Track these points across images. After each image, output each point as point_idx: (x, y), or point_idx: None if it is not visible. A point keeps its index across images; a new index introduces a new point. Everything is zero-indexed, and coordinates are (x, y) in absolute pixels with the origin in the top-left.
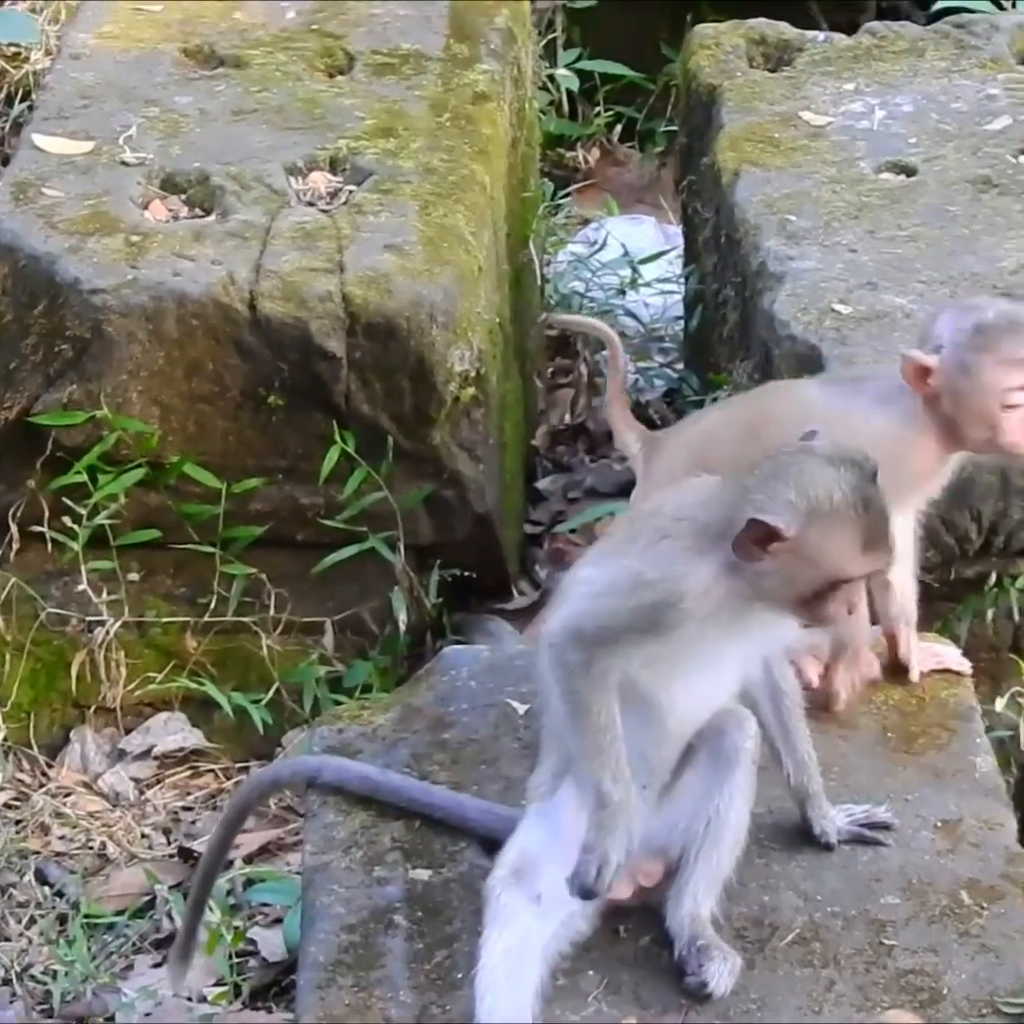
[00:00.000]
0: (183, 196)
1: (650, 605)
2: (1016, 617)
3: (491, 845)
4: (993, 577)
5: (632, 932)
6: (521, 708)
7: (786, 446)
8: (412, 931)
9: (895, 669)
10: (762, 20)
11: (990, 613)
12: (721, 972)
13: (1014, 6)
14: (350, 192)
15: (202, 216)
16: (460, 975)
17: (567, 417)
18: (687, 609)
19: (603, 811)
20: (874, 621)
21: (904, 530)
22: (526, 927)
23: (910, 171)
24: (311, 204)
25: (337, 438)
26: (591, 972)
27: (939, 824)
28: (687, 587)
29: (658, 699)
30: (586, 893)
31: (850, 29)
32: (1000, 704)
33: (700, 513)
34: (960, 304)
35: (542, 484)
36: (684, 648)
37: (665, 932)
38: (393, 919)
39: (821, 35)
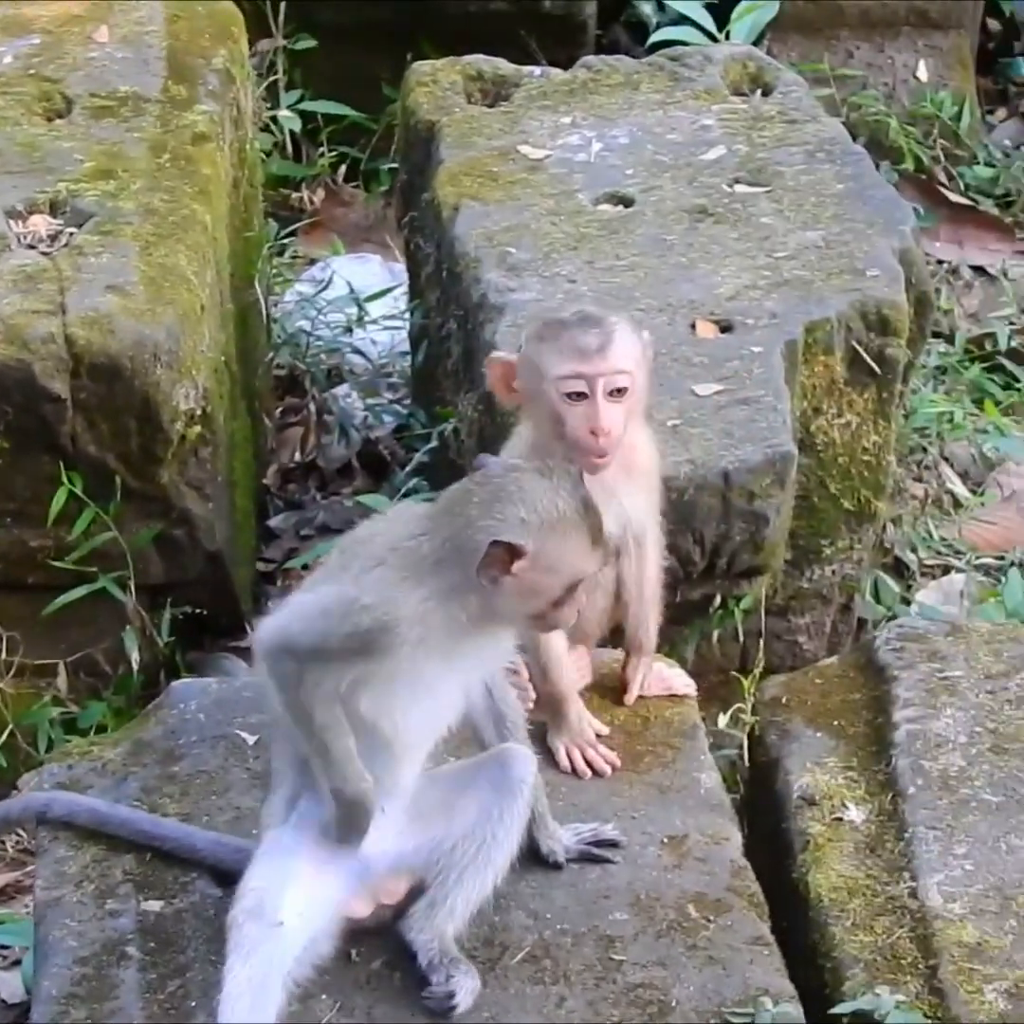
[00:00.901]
0: None
1: (365, 630)
2: (741, 638)
3: (222, 875)
4: (718, 599)
5: (364, 955)
6: (251, 739)
7: (489, 472)
8: (145, 962)
9: (621, 687)
10: (479, 56)
11: (716, 634)
12: (467, 986)
13: (727, 38)
14: (71, 234)
15: None
16: (193, 1004)
17: (297, 455)
18: (401, 635)
19: (341, 810)
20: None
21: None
22: (269, 955)
23: (627, 202)
24: (32, 247)
25: (64, 479)
26: (324, 996)
27: (665, 840)
28: (402, 613)
29: (382, 726)
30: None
31: (568, 64)
32: (722, 721)
33: (414, 543)
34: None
35: (274, 522)
36: (401, 675)
37: (405, 947)
38: (126, 951)
39: (537, 70)
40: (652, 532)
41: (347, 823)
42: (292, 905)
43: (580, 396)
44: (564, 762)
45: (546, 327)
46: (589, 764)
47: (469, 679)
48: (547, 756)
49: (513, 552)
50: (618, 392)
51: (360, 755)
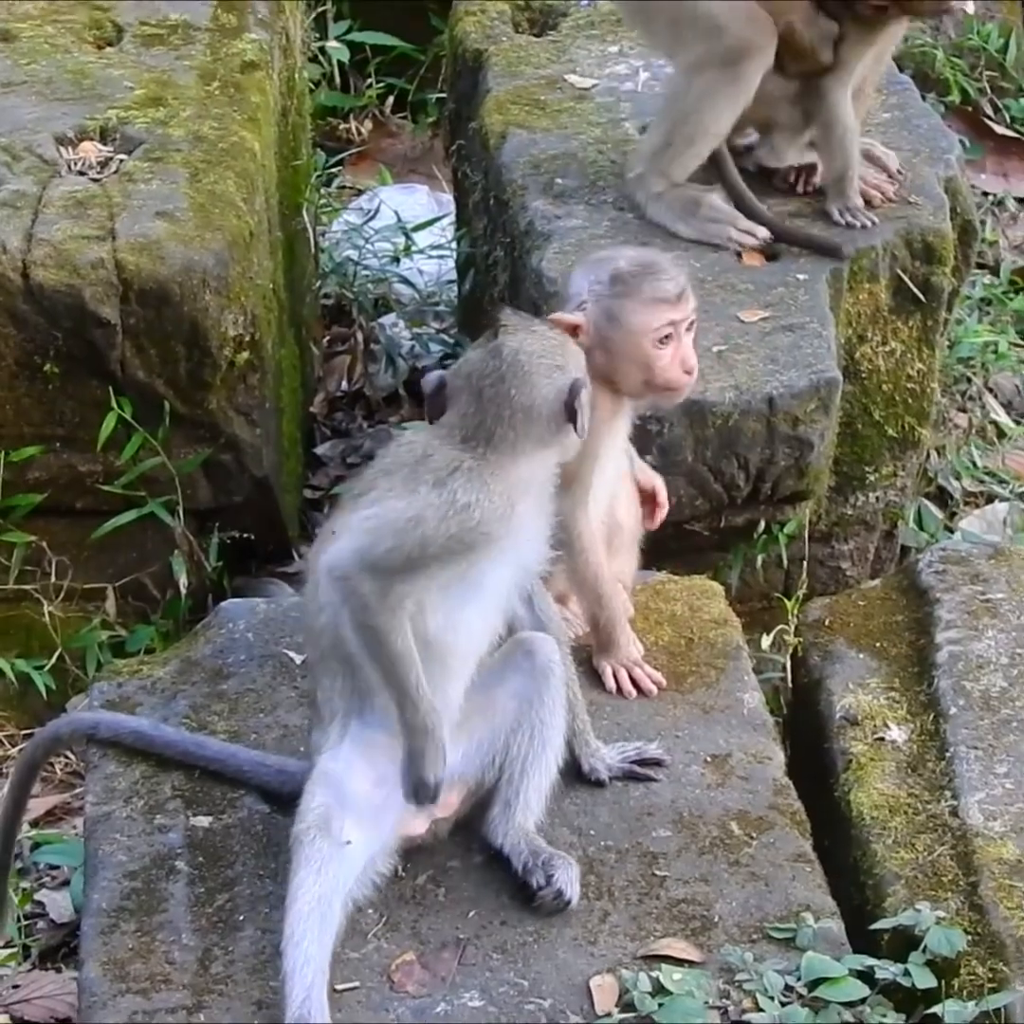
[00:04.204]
0: None
1: (470, 528)
2: (785, 563)
3: (268, 793)
4: (762, 525)
5: (410, 871)
6: (298, 658)
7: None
8: (193, 876)
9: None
10: None
11: (760, 560)
12: (569, 877)
13: None
14: (121, 161)
15: None
16: (241, 917)
17: (344, 384)
18: (500, 527)
19: (416, 742)
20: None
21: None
22: (335, 873)
23: None
24: (82, 173)
25: (113, 405)
26: (371, 910)
27: (709, 759)
28: (499, 505)
29: (444, 639)
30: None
31: None
32: (765, 642)
33: (477, 436)
34: (591, 259)
35: (321, 450)
36: (465, 578)
37: (497, 852)
38: (175, 865)
39: (585, 0)
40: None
41: (421, 756)
42: (353, 825)
43: (667, 339)
44: (611, 682)
45: (623, 284)
46: (635, 684)
47: (519, 577)
48: (593, 677)
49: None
50: (690, 326)
51: None
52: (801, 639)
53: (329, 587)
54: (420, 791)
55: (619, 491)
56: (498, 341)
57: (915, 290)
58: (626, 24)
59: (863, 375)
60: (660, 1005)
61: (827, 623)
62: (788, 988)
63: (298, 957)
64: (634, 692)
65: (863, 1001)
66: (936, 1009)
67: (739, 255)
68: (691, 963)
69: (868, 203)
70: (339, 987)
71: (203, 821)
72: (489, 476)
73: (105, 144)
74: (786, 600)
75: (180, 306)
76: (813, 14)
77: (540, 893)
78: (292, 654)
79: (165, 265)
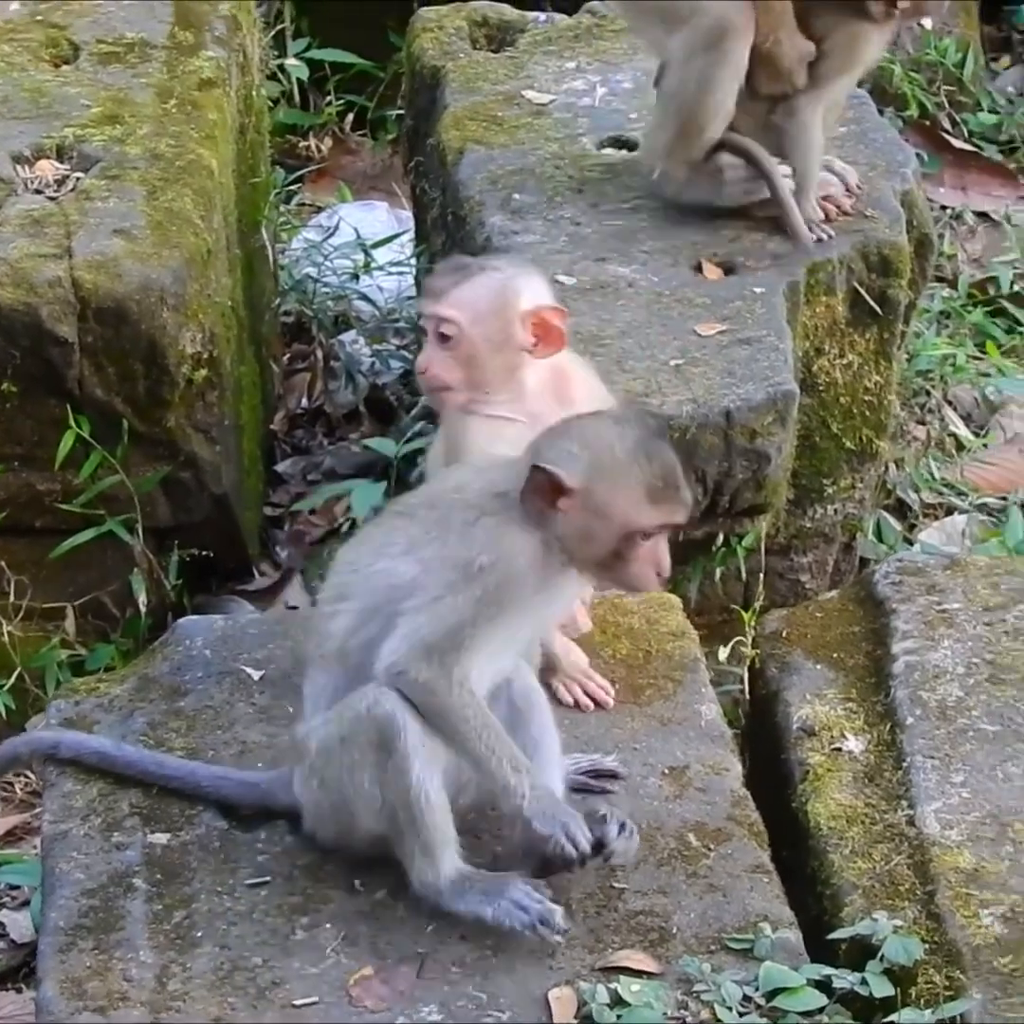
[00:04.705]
0: None
1: (494, 589)
2: (743, 576)
3: (230, 807)
4: (720, 537)
5: (368, 886)
6: (256, 675)
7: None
8: (151, 893)
9: None
10: (484, 2)
11: (718, 573)
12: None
13: None
14: (77, 179)
15: None
16: (199, 934)
17: (304, 401)
18: (524, 584)
19: (526, 802)
20: None
21: None
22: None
23: (631, 146)
24: (39, 192)
25: (72, 423)
26: (329, 925)
27: (666, 771)
28: (523, 562)
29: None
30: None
31: (573, 9)
32: (723, 654)
33: (511, 486)
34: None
35: (281, 467)
36: (513, 625)
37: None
38: (132, 882)
39: (542, 16)
40: None
41: (538, 811)
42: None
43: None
44: (566, 697)
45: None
46: (590, 696)
47: (544, 627)
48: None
49: (556, 485)
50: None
51: None
52: (758, 651)
53: (397, 686)
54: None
55: None
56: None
57: (872, 303)
58: (629, 30)
59: (820, 388)
60: (619, 1017)
61: (784, 635)
62: (746, 999)
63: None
64: (591, 704)
65: (821, 1011)
66: (893, 1017)
67: (698, 267)
68: (649, 974)
69: (826, 217)
70: (298, 1002)
71: (160, 838)
72: (519, 528)
73: (62, 162)
74: (744, 612)
75: (138, 324)
76: (795, 32)
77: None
78: (250, 671)
79: (122, 283)
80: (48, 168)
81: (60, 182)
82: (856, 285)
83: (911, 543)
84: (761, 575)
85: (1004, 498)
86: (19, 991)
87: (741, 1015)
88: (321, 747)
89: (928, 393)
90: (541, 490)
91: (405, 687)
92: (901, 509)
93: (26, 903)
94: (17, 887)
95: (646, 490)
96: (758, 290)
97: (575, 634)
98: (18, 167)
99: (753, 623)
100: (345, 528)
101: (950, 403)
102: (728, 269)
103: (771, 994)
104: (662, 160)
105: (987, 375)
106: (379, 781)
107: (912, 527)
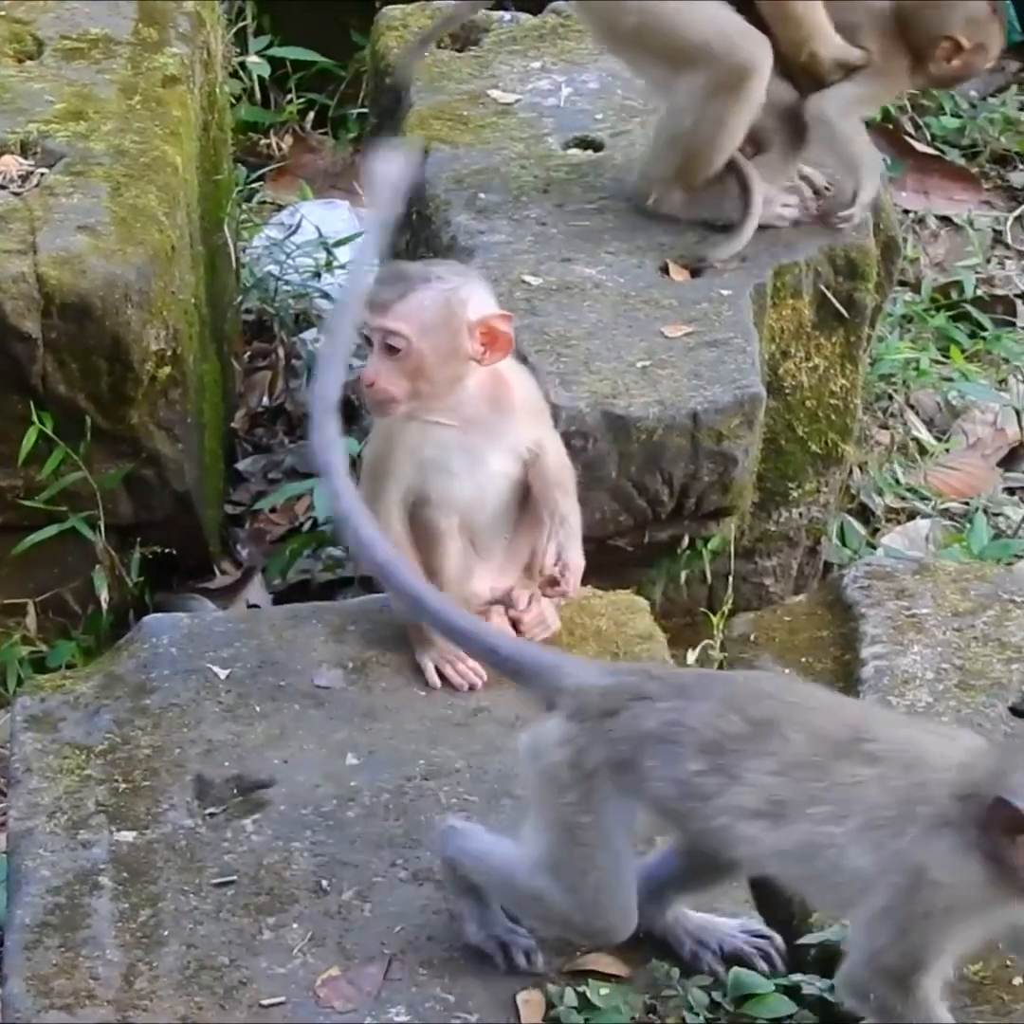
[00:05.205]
0: None
1: (943, 910)
2: (709, 579)
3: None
4: (686, 540)
5: (335, 886)
6: (222, 673)
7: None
8: (118, 891)
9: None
10: (448, 1)
11: (684, 576)
12: None
13: None
14: (41, 175)
15: None
16: (166, 932)
17: (266, 399)
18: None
19: None
20: None
21: None
22: None
23: (597, 146)
24: (2, 187)
25: (34, 419)
26: (296, 925)
27: None
28: (976, 893)
29: None
30: None
31: (538, 9)
32: (690, 658)
33: (973, 790)
34: None
35: (242, 465)
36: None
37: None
38: (99, 881)
39: (507, 15)
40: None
41: None
42: None
43: None
44: (433, 677)
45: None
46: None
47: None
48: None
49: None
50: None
51: None
52: (726, 654)
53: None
54: None
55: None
56: None
57: (839, 306)
58: (627, 68)
59: (787, 391)
60: (586, 1020)
61: (752, 638)
62: (714, 1004)
63: None
64: (465, 684)
65: (790, 1017)
66: None
67: (665, 269)
68: (618, 978)
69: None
70: (264, 1002)
71: (127, 836)
72: (962, 845)
73: (26, 158)
74: (711, 615)
75: (102, 320)
76: (830, 38)
77: None
78: (216, 669)
79: (86, 279)
80: (12, 163)
81: (24, 178)
82: (823, 288)
83: (874, 548)
84: (730, 578)
85: (966, 503)
86: None
87: (709, 1020)
88: None
89: (891, 397)
90: (1006, 827)
91: (876, 1010)
92: (865, 513)
93: None
94: None
95: None
96: (725, 292)
97: (544, 635)
98: None
99: (721, 627)
100: (306, 526)
101: (912, 407)
102: (695, 271)
103: (739, 1000)
104: (658, 188)
105: (950, 380)
106: None
107: (875, 531)
